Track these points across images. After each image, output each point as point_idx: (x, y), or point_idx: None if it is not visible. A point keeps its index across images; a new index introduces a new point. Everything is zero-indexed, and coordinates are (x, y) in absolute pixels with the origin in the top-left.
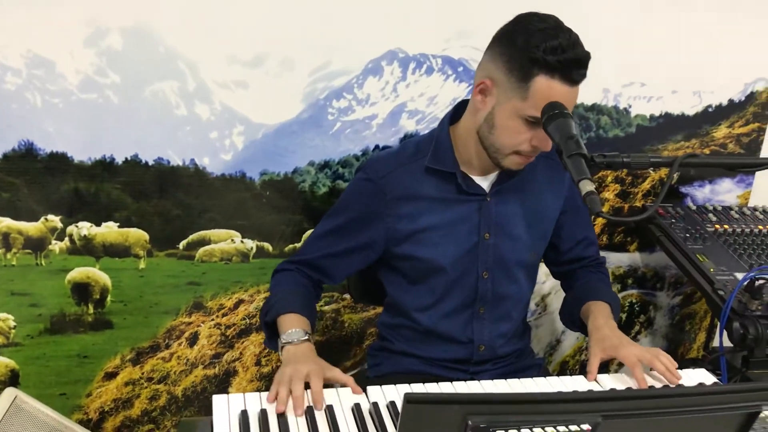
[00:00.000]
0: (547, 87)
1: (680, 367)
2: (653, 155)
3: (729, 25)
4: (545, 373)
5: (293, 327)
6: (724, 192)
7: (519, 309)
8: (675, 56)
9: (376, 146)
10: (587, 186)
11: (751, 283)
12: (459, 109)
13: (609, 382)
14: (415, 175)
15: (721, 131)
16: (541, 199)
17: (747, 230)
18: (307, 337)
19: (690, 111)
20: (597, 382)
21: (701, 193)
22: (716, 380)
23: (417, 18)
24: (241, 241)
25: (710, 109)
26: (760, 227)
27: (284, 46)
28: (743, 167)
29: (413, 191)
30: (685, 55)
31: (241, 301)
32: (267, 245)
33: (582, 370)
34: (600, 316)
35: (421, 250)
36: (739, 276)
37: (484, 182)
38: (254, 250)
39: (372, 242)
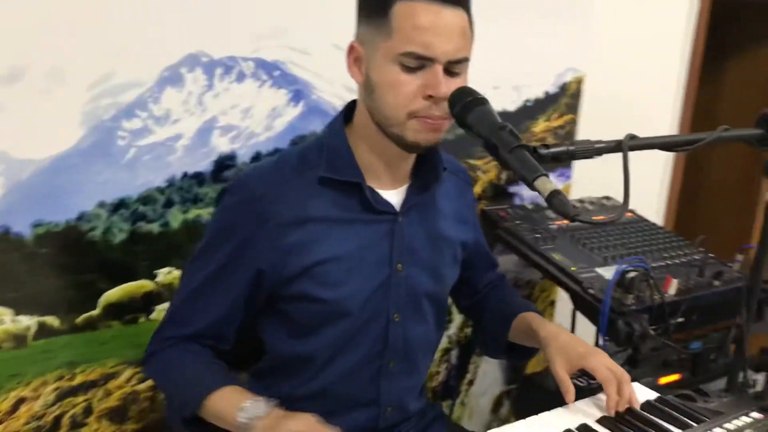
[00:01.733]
0: (408, 11)
1: None
2: (597, 141)
3: (538, 15)
4: (449, 424)
5: (245, 399)
6: None
7: (428, 357)
8: (494, 50)
9: (185, 174)
10: (548, 185)
11: (622, 277)
12: (351, 110)
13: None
14: (304, 191)
15: (539, 125)
16: (447, 220)
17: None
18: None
19: (511, 106)
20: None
21: (527, 191)
22: (658, 395)
23: (220, 13)
24: (13, 320)
25: (529, 104)
26: (594, 218)
27: (50, 52)
28: (680, 146)
29: (304, 213)
30: (503, 48)
31: (22, 400)
32: (51, 320)
33: (435, 395)
34: (547, 323)
35: (320, 289)
36: (600, 271)
37: (393, 198)
38: (33, 329)
39: (257, 283)
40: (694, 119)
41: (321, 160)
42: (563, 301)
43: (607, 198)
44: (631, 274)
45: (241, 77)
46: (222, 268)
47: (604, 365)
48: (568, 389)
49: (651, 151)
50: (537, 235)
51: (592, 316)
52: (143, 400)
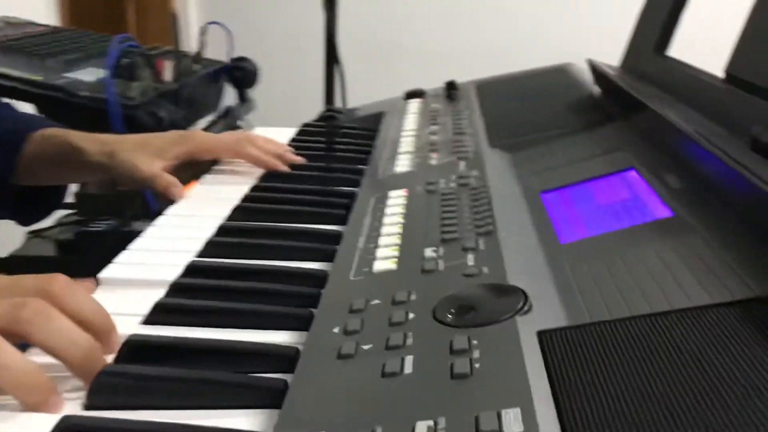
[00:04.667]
0: None
1: None
2: None
3: None
4: None
5: None
6: None
7: None
8: None
9: None
10: None
11: (118, 66)
12: None
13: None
14: None
15: None
16: None
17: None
18: None
19: None
20: None
21: None
22: None
23: None
24: None
25: None
26: None
27: None
28: None
29: None
30: None
31: None
32: None
33: None
34: (90, 134)
35: None
36: (74, 75)
37: None
38: None
39: None
40: None
41: None
42: None
43: (7, 17)
44: (128, 60)
45: None
46: None
47: (214, 143)
48: (171, 182)
49: None
50: None
51: (93, 123)
52: None
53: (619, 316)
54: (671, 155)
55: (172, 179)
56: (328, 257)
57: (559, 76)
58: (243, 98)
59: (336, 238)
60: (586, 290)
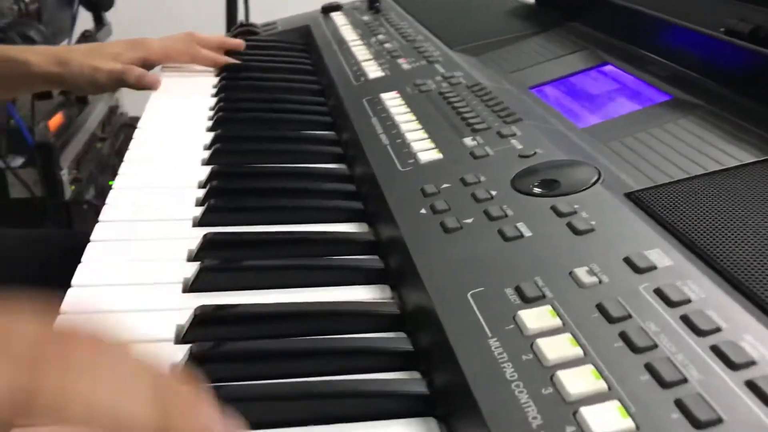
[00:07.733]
0: None
1: None
2: None
3: None
4: None
5: None
6: None
7: None
8: None
9: None
10: None
11: None
12: None
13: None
14: None
15: None
16: None
17: None
18: None
19: None
20: None
21: None
22: None
23: None
24: None
25: None
26: None
27: None
28: None
29: None
30: None
31: None
32: None
33: None
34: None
35: None
36: None
37: None
38: None
39: None
40: None
41: None
42: None
43: None
44: None
45: None
46: None
47: (167, 44)
48: (142, 73)
49: None
50: None
51: None
52: None
53: (678, 178)
54: (641, 46)
55: (142, 70)
56: (338, 158)
57: None
58: (99, 22)
59: (336, 141)
60: (633, 161)
